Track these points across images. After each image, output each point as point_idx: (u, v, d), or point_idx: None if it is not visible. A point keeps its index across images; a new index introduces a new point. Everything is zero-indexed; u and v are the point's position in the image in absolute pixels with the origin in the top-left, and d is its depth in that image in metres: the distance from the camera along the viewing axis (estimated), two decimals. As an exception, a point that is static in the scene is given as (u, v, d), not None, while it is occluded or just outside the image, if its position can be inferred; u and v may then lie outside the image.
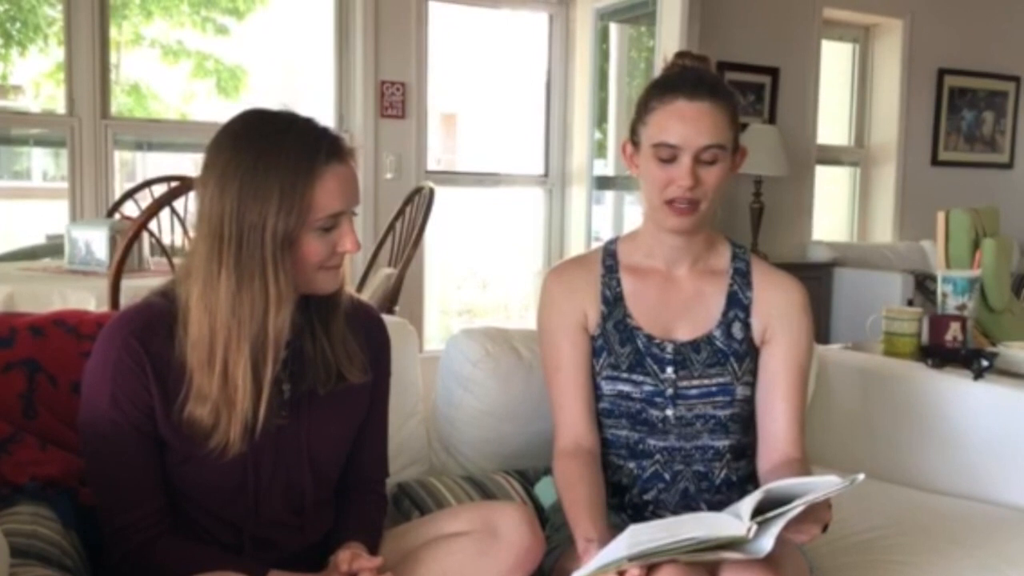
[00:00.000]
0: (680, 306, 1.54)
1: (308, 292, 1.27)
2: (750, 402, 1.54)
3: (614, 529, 1.31)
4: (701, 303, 1.54)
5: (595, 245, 4.64)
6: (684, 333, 1.53)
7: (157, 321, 1.23)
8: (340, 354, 1.33)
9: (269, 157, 1.19)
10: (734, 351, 1.52)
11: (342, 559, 1.25)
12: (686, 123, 1.43)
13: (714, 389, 1.50)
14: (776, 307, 1.54)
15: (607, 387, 1.52)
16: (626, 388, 1.51)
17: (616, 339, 1.52)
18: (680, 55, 1.55)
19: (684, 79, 1.47)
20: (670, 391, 1.50)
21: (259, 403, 1.22)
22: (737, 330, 1.53)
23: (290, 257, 1.20)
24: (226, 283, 1.18)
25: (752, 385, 1.53)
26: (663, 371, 1.50)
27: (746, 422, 1.54)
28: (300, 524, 1.33)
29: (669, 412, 1.50)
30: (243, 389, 1.20)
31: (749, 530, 1.15)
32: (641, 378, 1.51)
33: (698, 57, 1.54)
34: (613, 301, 1.55)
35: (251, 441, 1.24)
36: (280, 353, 1.24)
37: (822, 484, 1.18)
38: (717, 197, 1.47)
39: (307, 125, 1.24)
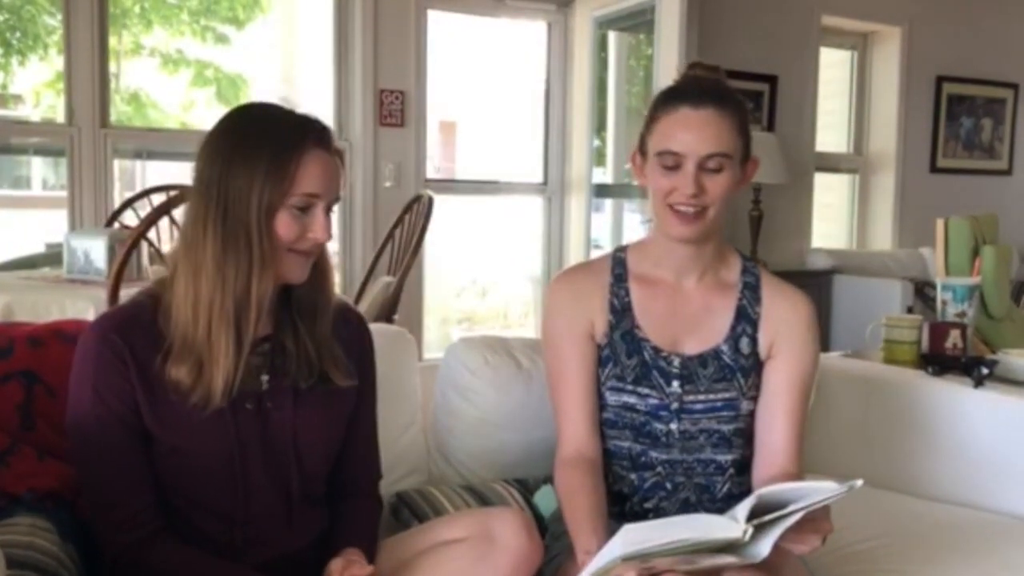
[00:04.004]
0: (688, 319, 1.52)
1: (277, 275, 1.28)
2: (755, 416, 1.52)
3: (613, 537, 1.31)
4: (709, 316, 1.53)
5: (595, 253, 4.66)
6: (691, 347, 1.51)
7: (139, 316, 1.27)
8: (326, 357, 1.35)
9: (262, 130, 1.26)
10: (741, 366, 1.51)
11: (334, 568, 1.26)
12: (690, 131, 1.42)
13: (719, 404, 1.49)
14: (783, 321, 1.52)
15: (612, 398, 1.51)
16: (631, 400, 1.50)
17: (623, 350, 1.51)
18: (692, 65, 1.55)
19: (689, 87, 1.47)
20: (675, 405, 1.49)
21: (239, 361, 1.24)
22: (745, 345, 1.52)
23: (269, 227, 1.24)
24: (212, 243, 1.23)
25: (758, 400, 1.52)
26: (669, 385, 1.49)
27: (751, 436, 1.53)
28: (289, 520, 1.33)
29: (673, 426, 1.49)
30: (225, 345, 1.23)
31: (745, 532, 1.14)
32: (646, 391, 1.50)
33: (710, 67, 1.53)
34: (621, 311, 1.54)
35: (235, 422, 1.26)
36: (260, 319, 1.27)
37: (819, 490, 1.18)
38: (724, 207, 1.45)
39: (301, 114, 1.30)
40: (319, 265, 1.34)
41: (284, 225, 1.25)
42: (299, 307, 1.35)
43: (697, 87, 1.46)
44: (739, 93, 1.51)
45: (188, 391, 1.24)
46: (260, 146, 1.23)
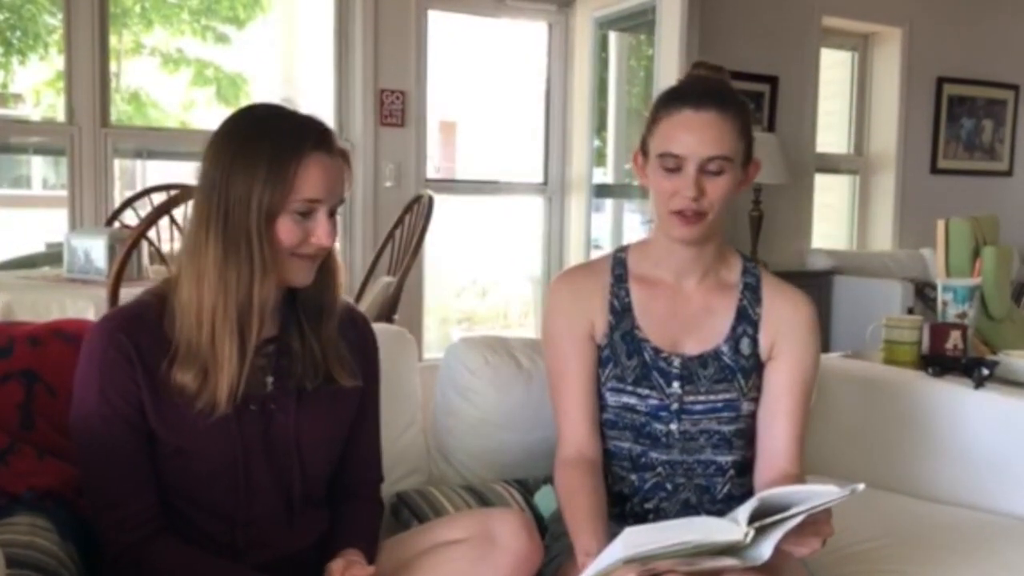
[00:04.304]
0: (689, 319, 1.52)
1: (280, 279, 1.28)
2: (756, 417, 1.52)
3: (615, 538, 1.31)
4: (710, 317, 1.52)
5: (595, 253, 4.66)
6: (692, 347, 1.51)
7: (145, 316, 1.26)
8: (331, 357, 1.34)
9: (262, 135, 1.24)
10: (741, 367, 1.50)
11: (335, 568, 1.26)
12: (691, 133, 1.41)
13: (720, 405, 1.49)
14: (784, 322, 1.52)
15: (612, 399, 1.51)
16: (631, 401, 1.50)
17: (623, 351, 1.51)
18: (696, 65, 1.54)
19: (691, 89, 1.46)
20: (675, 406, 1.49)
21: (243, 367, 1.24)
22: (745, 346, 1.51)
23: (270, 233, 1.23)
24: (214, 249, 1.22)
25: (758, 400, 1.52)
26: (669, 385, 1.49)
27: (751, 437, 1.52)
28: (291, 522, 1.33)
29: (673, 427, 1.49)
30: (229, 352, 1.22)
31: (746, 535, 1.14)
32: (646, 392, 1.49)
33: (714, 67, 1.52)
34: (621, 311, 1.53)
35: (239, 424, 1.26)
36: (264, 323, 1.26)
37: (820, 493, 1.17)
38: (725, 208, 1.45)
39: (303, 116, 1.28)
40: (327, 265, 1.33)
41: (286, 230, 1.23)
42: (305, 307, 1.34)
43: (699, 88, 1.45)
44: (741, 94, 1.51)
45: (194, 397, 1.23)
46: (259, 151, 1.22)
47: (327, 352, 1.34)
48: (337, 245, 1.37)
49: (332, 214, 1.27)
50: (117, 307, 1.31)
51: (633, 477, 1.51)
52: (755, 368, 1.51)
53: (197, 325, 1.23)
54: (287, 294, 1.33)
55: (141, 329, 1.25)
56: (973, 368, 2.03)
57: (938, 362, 2.14)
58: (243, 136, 1.24)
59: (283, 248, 1.24)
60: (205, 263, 1.22)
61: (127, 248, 2.38)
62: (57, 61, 4.02)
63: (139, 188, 3.92)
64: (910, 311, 3.97)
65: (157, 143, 4.32)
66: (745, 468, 1.53)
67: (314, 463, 1.35)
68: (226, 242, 1.22)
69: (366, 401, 1.43)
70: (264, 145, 1.22)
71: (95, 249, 2.85)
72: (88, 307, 2.46)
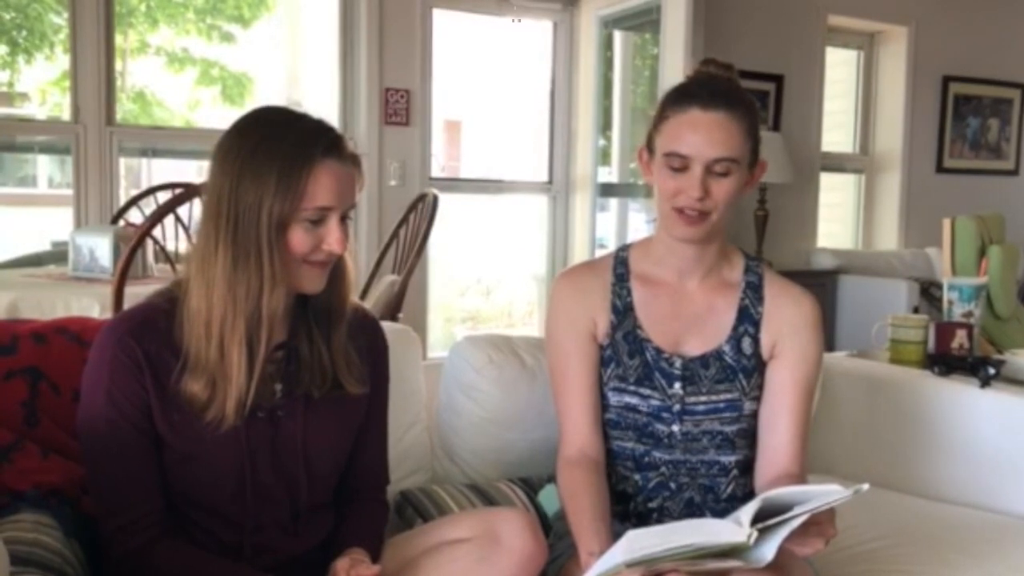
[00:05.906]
0: (690, 319, 1.52)
1: (292, 287, 1.26)
2: (758, 416, 1.52)
3: (618, 538, 1.30)
4: (712, 317, 1.52)
5: (599, 252, 4.66)
6: (693, 347, 1.51)
7: (154, 320, 1.25)
8: (340, 364, 1.33)
9: (271, 142, 1.21)
10: (743, 367, 1.50)
11: (340, 567, 1.25)
12: (698, 133, 1.40)
13: (722, 405, 1.49)
14: (787, 321, 1.51)
15: (614, 399, 1.51)
16: (633, 401, 1.50)
17: (625, 351, 1.51)
18: (705, 62, 1.52)
19: (700, 88, 1.44)
20: (677, 407, 1.49)
21: (251, 379, 1.23)
22: (747, 345, 1.51)
23: (281, 242, 1.22)
24: (223, 259, 1.20)
25: (760, 400, 1.51)
26: (671, 386, 1.49)
27: (754, 437, 1.52)
28: (297, 525, 1.33)
29: (675, 428, 1.49)
30: (237, 364, 1.22)
31: (749, 536, 1.13)
32: (648, 392, 1.49)
33: (724, 65, 1.51)
34: (623, 311, 1.53)
35: (247, 431, 1.25)
36: (273, 333, 1.25)
37: (824, 493, 1.17)
38: (729, 209, 1.44)
39: (313, 121, 1.26)
40: (336, 266, 1.31)
41: (297, 239, 1.22)
42: (315, 312, 1.33)
43: (708, 88, 1.44)
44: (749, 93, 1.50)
45: (203, 408, 1.22)
46: (269, 160, 1.20)
47: (336, 358, 1.33)
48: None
49: (343, 220, 1.26)
50: (127, 310, 1.29)
51: (637, 477, 1.51)
52: (757, 368, 1.51)
53: (206, 336, 1.22)
54: (298, 298, 1.31)
55: (150, 334, 1.24)
56: (979, 367, 2.03)
57: (944, 361, 2.13)
58: (252, 143, 1.22)
59: (294, 256, 1.23)
60: (214, 273, 1.21)
61: (132, 246, 2.39)
62: (63, 60, 4.03)
63: (144, 187, 3.93)
64: (915, 310, 3.95)
65: (162, 142, 4.33)
66: (749, 467, 1.52)
67: (321, 470, 1.34)
68: (235, 252, 1.20)
69: (374, 405, 1.42)
70: (274, 153, 1.20)
71: (100, 247, 2.86)
72: (93, 305, 2.47)
